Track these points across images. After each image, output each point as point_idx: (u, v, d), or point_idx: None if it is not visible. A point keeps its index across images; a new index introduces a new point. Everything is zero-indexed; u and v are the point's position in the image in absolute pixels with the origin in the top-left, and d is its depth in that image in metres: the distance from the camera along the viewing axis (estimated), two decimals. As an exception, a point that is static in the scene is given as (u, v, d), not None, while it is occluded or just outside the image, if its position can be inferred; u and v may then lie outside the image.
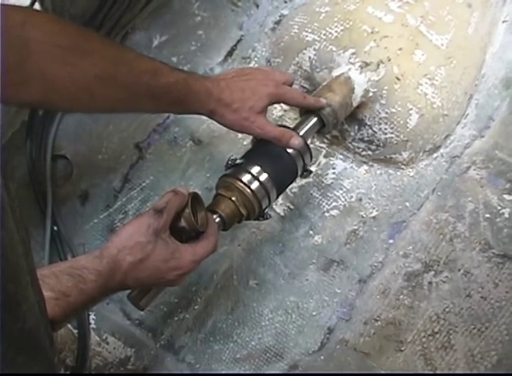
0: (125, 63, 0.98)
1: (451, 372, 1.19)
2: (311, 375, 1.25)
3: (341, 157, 1.37)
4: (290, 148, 1.14)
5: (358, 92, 1.26)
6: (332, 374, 1.24)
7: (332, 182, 1.35)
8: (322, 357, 1.25)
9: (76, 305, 0.88)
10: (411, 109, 1.28)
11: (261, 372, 1.26)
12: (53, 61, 0.88)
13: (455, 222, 1.28)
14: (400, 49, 1.29)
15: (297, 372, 1.25)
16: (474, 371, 1.18)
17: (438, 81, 1.30)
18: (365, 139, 1.32)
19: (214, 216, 1.08)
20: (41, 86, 0.89)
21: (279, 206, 1.34)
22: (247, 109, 1.09)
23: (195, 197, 1.04)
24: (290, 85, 1.19)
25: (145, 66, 1.00)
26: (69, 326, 1.29)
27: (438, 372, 1.19)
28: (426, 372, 1.20)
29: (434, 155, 1.35)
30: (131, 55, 1.01)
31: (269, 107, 1.28)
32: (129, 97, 1.00)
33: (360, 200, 1.33)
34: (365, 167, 1.35)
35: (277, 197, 1.16)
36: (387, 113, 1.28)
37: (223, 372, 1.28)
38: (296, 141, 1.12)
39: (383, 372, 1.22)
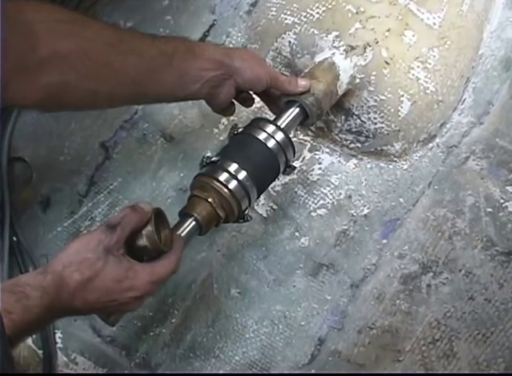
0: (124, 30, 1.04)
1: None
2: (311, 375, 1.26)
3: (328, 150, 1.37)
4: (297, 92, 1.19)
5: (344, 79, 1.25)
6: (332, 374, 1.26)
7: (318, 179, 1.35)
8: (313, 371, 1.26)
9: (21, 324, 0.87)
10: (402, 95, 1.28)
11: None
12: (61, 37, 0.94)
13: (454, 218, 1.28)
14: (388, 30, 1.28)
15: (297, 372, 1.26)
16: (480, 380, 1.19)
17: (431, 64, 1.30)
18: (354, 130, 1.32)
19: (190, 220, 1.08)
20: (58, 66, 0.94)
21: (261, 206, 1.35)
22: None
23: (158, 214, 1.03)
24: None
25: (141, 33, 1.08)
26: (33, 346, 1.29)
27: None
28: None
29: (430, 145, 1.35)
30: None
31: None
32: (146, 63, 1.05)
33: (349, 197, 1.33)
34: (354, 161, 1.36)
35: (258, 196, 1.16)
36: (376, 101, 1.28)
37: (219, 373, 1.28)
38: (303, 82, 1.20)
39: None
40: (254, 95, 1.25)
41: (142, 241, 0.99)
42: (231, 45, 1.45)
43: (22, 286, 0.90)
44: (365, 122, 1.30)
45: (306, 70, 1.27)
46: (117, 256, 0.96)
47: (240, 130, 1.18)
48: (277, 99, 1.22)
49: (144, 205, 1.01)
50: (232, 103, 1.22)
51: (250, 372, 1.27)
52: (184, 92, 1.12)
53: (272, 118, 1.20)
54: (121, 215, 0.98)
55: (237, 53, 1.16)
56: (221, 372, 1.29)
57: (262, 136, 1.14)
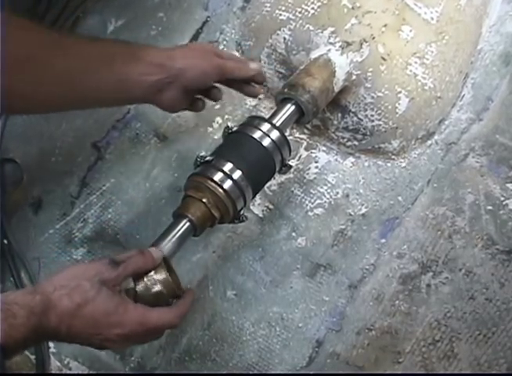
0: (67, 33, 1.09)
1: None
2: (313, 375, 1.26)
3: (324, 148, 1.37)
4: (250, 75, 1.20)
5: (340, 76, 1.25)
6: (333, 374, 1.25)
7: (315, 178, 1.35)
8: (311, 373, 1.25)
9: (8, 342, 0.86)
10: (400, 92, 1.28)
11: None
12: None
13: (453, 217, 1.28)
14: (385, 26, 1.28)
15: (299, 372, 1.26)
16: (481, 381, 1.19)
17: (429, 60, 1.29)
18: (350, 127, 1.31)
19: (184, 221, 1.07)
20: None
21: (257, 206, 1.34)
22: None
23: (164, 260, 1.03)
24: None
25: (87, 36, 1.16)
26: (26, 351, 1.28)
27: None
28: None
29: (428, 143, 1.35)
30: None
31: (242, 97, 1.29)
32: (85, 66, 1.04)
33: (347, 196, 1.33)
34: (351, 159, 1.35)
35: (253, 196, 1.15)
36: (373, 97, 1.28)
37: (223, 372, 1.28)
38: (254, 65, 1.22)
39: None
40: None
41: (158, 287, 0.99)
42: (225, 42, 1.45)
43: (10, 304, 0.88)
44: (362, 119, 1.30)
45: (301, 67, 1.26)
46: (112, 290, 0.95)
47: (235, 129, 1.17)
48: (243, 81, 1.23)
49: (154, 252, 1.01)
50: (198, 98, 1.22)
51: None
52: (125, 96, 1.12)
53: (267, 116, 1.20)
54: (128, 255, 0.98)
55: (180, 53, 1.15)
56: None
57: (257, 135, 1.14)
